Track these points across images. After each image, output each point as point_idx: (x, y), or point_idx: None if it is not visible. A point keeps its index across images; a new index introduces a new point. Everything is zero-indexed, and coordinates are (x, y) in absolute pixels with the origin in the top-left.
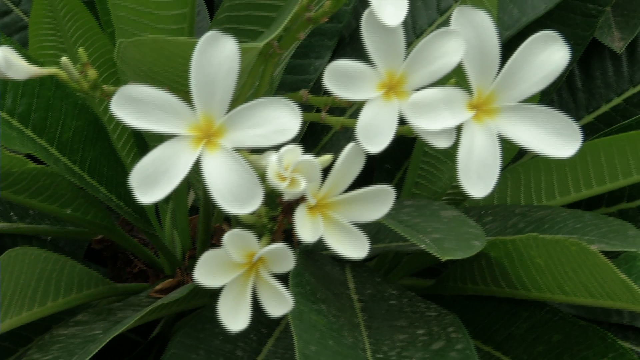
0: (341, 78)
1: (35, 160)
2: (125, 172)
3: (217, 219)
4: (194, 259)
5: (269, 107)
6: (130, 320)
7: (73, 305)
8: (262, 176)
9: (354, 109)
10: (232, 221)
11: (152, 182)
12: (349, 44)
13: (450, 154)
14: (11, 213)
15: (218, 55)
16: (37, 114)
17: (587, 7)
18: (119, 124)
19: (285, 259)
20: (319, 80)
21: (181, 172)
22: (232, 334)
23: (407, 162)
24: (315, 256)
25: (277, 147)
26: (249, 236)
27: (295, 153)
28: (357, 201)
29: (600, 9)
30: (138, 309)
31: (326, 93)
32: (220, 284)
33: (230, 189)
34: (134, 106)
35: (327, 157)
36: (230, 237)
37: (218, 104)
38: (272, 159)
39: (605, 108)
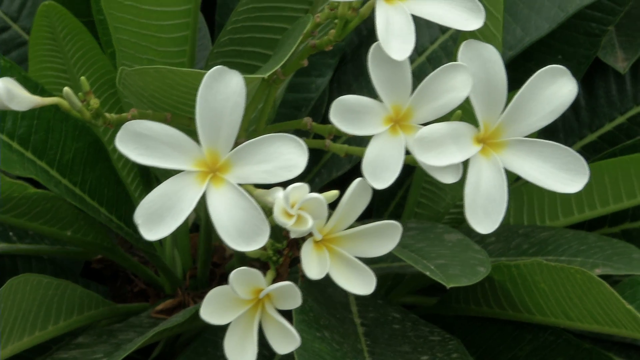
0: (347, 113)
1: (35, 183)
2: (125, 193)
3: (217, 238)
4: (194, 278)
5: (276, 143)
6: (133, 345)
7: (74, 328)
8: (268, 212)
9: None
10: (235, 256)
11: (157, 218)
12: (351, 61)
13: None
14: (10, 233)
15: (224, 91)
16: (37, 135)
17: (590, 26)
18: None
19: (291, 296)
20: (320, 99)
21: (187, 208)
22: None
23: (409, 179)
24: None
25: (283, 184)
26: (256, 273)
27: (302, 191)
28: (363, 236)
29: (604, 28)
30: (139, 330)
31: (327, 113)
32: (226, 321)
33: (236, 225)
34: (139, 142)
35: (333, 193)
36: (237, 274)
37: (224, 139)
38: (278, 196)
39: (608, 127)
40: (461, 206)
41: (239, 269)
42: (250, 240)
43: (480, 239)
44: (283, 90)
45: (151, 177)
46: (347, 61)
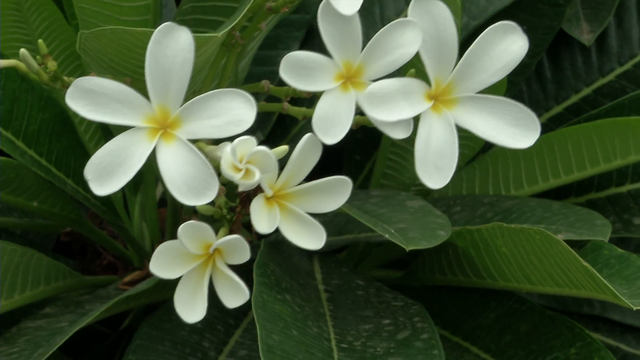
0: (297, 69)
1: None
2: None
3: (186, 211)
4: None
5: (224, 98)
6: (97, 311)
7: (41, 298)
8: (218, 168)
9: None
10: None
11: (107, 174)
12: (318, 35)
13: None
14: None
15: (173, 47)
16: (2, 106)
17: None
18: None
19: (241, 250)
20: None
21: (136, 163)
22: (199, 324)
23: (377, 153)
24: (282, 247)
25: (233, 139)
26: (205, 227)
27: (249, 144)
28: (314, 192)
29: None
30: (107, 300)
31: None
32: (176, 275)
33: (186, 181)
34: (90, 98)
35: (282, 148)
36: (185, 228)
37: (173, 95)
38: (226, 149)
39: (574, 99)
40: None
41: (187, 222)
42: (200, 194)
43: (446, 208)
44: (248, 63)
45: None
46: (315, 35)
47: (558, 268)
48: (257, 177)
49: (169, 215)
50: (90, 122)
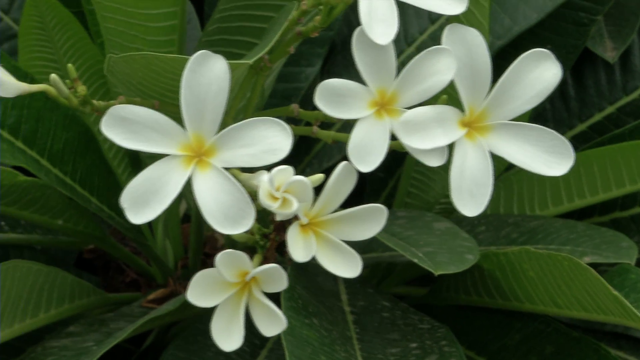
0: (332, 97)
1: (25, 172)
2: (116, 183)
3: (209, 228)
4: (186, 268)
5: (260, 127)
6: (123, 333)
7: (65, 316)
8: (254, 195)
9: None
10: (225, 241)
11: (143, 202)
12: (341, 52)
13: (443, 165)
14: (2, 223)
15: (207, 75)
16: (27, 125)
17: (579, 15)
18: None
19: (278, 278)
20: (310, 88)
21: (172, 192)
22: None
23: (400, 170)
24: (307, 267)
25: (268, 167)
26: (242, 256)
27: (287, 173)
28: (349, 220)
29: (592, 18)
30: (131, 319)
31: None
32: (212, 304)
33: (222, 209)
34: (125, 126)
35: (318, 177)
36: (223, 257)
37: (208, 123)
38: (263, 179)
39: (598, 117)
40: None
41: (225, 251)
42: (236, 223)
43: (470, 228)
44: (273, 80)
45: (142, 167)
46: (337, 52)
47: (586, 294)
48: (295, 207)
49: (192, 232)
50: None
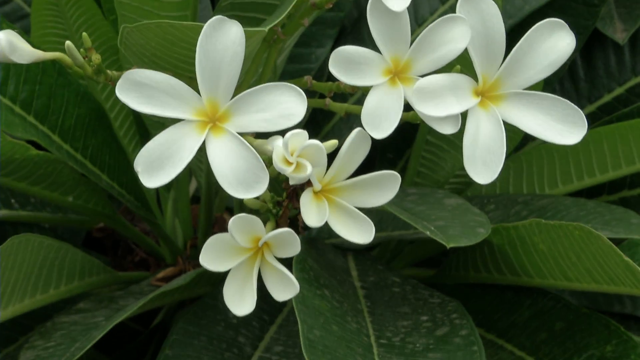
0: (346, 64)
1: (37, 147)
2: (127, 160)
3: (218, 208)
4: (195, 248)
5: (275, 92)
6: (133, 307)
7: (75, 294)
8: (267, 161)
9: (356, 97)
10: (235, 207)
11: (157, 166)
12: (350, 34)
13: (453, 143)
14: (12, 200)
15: (223, 40)
16: (39, 100)
17: None
18: (120, 111)
19: (291, 243)
20: (320, 69)
21: (186, 156)
22: (234, 320)
23: (409, 151)
24: (318, 244)
25: (282, 132)
26: (255, 220)
27: (301, 137)
28: (362, 186)
29: None
30: (140, 296)
31: (328, 81)
32: (225, 268)
33: (236, 174)
34: (140, 91)
35: (332, 142)
36: (236, 221)
37: (223, 88)
38: (277, 143)
39: (607, 98)
40: (461, 176)
41: (238, 215)
42: (250, 188)
43: (480, 206)
44: (283, 61)
45: None
46: (347, 34)
47: (597, 264)
48: (308, 170)
49: (201, 212)
50: (125, 118)
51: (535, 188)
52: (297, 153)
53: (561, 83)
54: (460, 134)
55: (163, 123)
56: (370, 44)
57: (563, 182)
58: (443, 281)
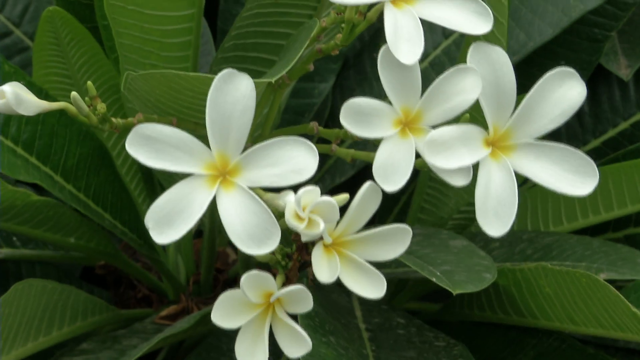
0: (357, 116)
1: (38, 189)
2: (129, 199)
3: (220, 243)
4: (198, 284)
5: (285, 147)
6: (138, 351)
7: (78, 334)
8: (278, 215)
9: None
10: (238, 256)
11: (167, 222)
12: (353, 67)
13: None
14: (14, 238)
15: (234, 94)
16: (41, 141)
17: (593, 31)
18: (122, 149)
19: (303, 299)
20: (323, 104)
21: (197, 212)
22: None
23: (413, 185)
24: (321, 283)
25: (293, 187)
26: (267, 277)
27: (313, 194)
28: (373, 240)
29: (606, 34)
30: (143, 336)
31: (330, 118)
32: (237, 325)
33: (247, 229)
34: (149, 145)
35: (343, 197)
36: (248, 278)
37: (233, 142)
38: (290, 199)
39: (612, 133)
40: (464, 212)
41: (250, 272)
42: (262, 243)
43: (484, 244)
44: (286, 96)
45: (155, 183)
46: (350, 67)
47: (604, 311)
48: (321, 228)
49: (204, 248)
50: (128, 156)
51: (539, 225)
52: (310, 209)
53: None
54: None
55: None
56: (373, 77)
57: (568, 219)
58: (447, 319)
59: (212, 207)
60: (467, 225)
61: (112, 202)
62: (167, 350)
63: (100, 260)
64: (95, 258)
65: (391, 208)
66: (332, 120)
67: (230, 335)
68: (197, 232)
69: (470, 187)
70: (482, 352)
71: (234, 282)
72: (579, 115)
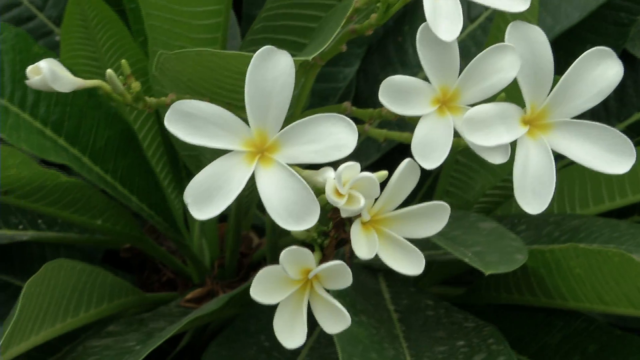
0: (396, 94)
1: (65, 170)
2: (155, 182)
3: (244, 227)
4: (222, 268)
5: (325, 123)
6: (167, 332)
7: (104, 316)
8: (316, 192)
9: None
10: (267, 231)
11: (206, 198)
12: (376, 52)
13: (484, 163)
14: (39, 221)
15: (273, 71)
16: (70, 122)
17: (619, 15)
18: (149, 132)
19: (342, 275)
20: (347, 88)
21: (236, 188)
22: (266, 343)
23: (437, 169)
24: (349, 265)
25: (332, 163)
26: (306, 253)
27: (354, 170)
28: (411, 217)
29: (633, 18)
30: (169, 319)
31: (354, 103)
32: (275, 301)
33: (286, 206)
34: (188, 121)
35: (382, 173)
36: (287, 253)
37: (272, 119)
38: (329, 175)
39: (637, 116)
40: (490, 195)
41: (289, 248)
42: (301, 220)
43: (510, 227)
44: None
45: (180, 167)
46: (373, 51)
47: (636, 290)
48: (362, 203)
49: (230, 231)
50: (154, 139)
51: (566, 208)
52: (350, 185)
53: None
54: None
55: (193, 146)
56: (398, 62)
57: (595, 202)
58: (472, 302)
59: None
60: (492, 209)
61: (139, 185)
62: (191, 334)
63: (125, 244)
64: (120, 241)
65: (415, 192)
66: (356, 105)
67: (258, 318)
68: (221, 217)
69: (497, 170)
70: (508, 334)
71: (258, 266)
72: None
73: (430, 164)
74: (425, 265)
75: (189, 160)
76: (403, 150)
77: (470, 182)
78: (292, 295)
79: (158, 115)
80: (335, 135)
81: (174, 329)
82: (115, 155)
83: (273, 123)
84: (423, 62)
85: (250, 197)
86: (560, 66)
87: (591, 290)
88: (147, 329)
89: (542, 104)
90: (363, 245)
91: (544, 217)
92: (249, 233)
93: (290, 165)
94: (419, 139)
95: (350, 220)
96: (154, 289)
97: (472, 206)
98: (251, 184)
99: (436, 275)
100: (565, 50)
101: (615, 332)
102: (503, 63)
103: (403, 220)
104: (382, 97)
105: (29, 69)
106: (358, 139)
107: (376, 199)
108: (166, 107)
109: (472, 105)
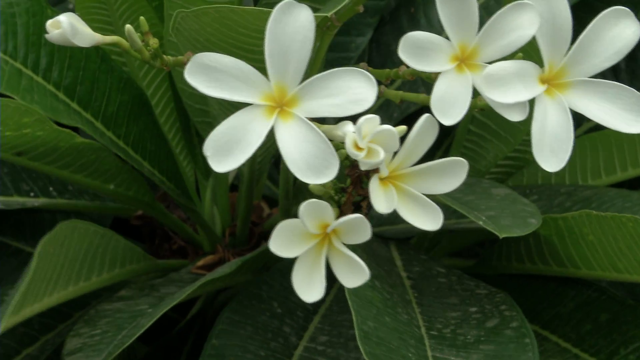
0: (416, 49)
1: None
2: (167, 148)
3: (255, 196)
4: (233, 236)
5: (345, 77)
6: (179, 295)
7: (115, 281)
8: (335, 147)
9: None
10: (280, 195)
11: (226, 151)
12: (389, 23)
13: (496, 133)
14: (50, 188)
15: (293, 24)
16: (82, 86)
17: None
18: (162, 98)
19: (362, 229)
20: (360, 58)
21: (255, 141)
22: (279, 309)
23: (448, 140)
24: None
25: (351, 118)
26: (325, 206)
27: (373, 123)
28: (429, 173)
29: None
30: (181, 284)
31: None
32: (293, 254)
33: (306, 159)
34: (208, 74)
35: (402, 128)
36: (307, 206)
37: (292, 73)
38: (349, 128)
39: None
40: (502, 165)
41: (309, 200)
42: (320, 173)
43: (523, 196)
44: None
45: (192, 133)
46: (386, 22)
47: None
48: (382, 156)
49: (241, 200)
50: (166, 105)
51: (578, 179)
52: (369, 138)
53: (602, 73)
54: (502, 123)
55: (206, 110)
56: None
57: (606, 173)
58: (483, 272)
59: (252, 158)
60: (504, 179)
61: (151, 151)
62: (202, 301)
63: (136, 211)
64: (132, 209)
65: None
66: None
67: (271, 284)
68: (232, 186)
69: (509, 140)
70: (520, 304)
71: (269, 235)
72: (615, 71)
73: (449, 119)
74: (435, 237)
75: (201, 127)
76: None
77: (482, 152)
78: (310, 250)
79: (172, 80)
80: (354, 89)
81: (187, 291)
82: (128, 121)
83: (292, 77)
84: (443, 19)
85: (262, 162)
86: (573, 36)
87: (604, 257)
88: (158, 294)
89: (560, 63)
90: (382, 200)
91: (556, 187)
92: (260, 203)
93: (310, 119)
94: (438, 96)
95: (368, 177)
96: (164, 257)
97: (484, 176)
98: (266, 145)
99: (446, 247)
100: (578, 19)
101: (627, 302)
102: (522, 20)
103: (421, 176)
104: (402, 53)
105: (49, 23)
106: (375, 102)
107: (394, 155)
108: (183, 66)
109: (490, 63)
